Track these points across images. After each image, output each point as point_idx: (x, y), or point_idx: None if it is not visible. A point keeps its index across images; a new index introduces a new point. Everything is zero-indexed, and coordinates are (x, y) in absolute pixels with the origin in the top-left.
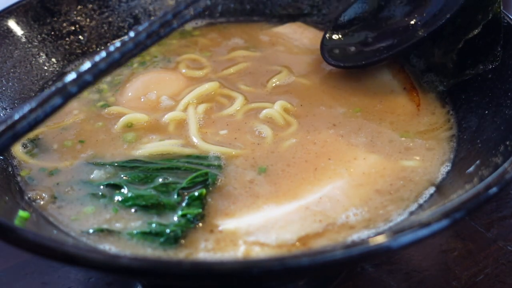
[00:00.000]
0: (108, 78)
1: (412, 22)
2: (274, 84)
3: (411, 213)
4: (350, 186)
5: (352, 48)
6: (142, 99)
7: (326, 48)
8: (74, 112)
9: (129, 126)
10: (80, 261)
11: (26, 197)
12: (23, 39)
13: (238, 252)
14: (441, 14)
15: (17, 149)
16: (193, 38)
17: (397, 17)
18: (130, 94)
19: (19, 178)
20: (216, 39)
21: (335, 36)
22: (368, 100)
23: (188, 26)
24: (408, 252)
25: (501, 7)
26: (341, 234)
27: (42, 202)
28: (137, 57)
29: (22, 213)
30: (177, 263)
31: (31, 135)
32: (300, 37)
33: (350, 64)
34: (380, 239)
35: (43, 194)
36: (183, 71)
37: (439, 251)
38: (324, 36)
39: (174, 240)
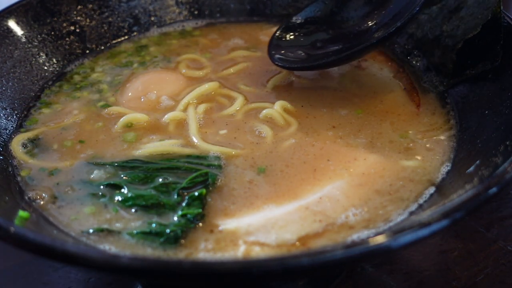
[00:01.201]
0: (108, 78)
1: (362, 29)
2: (274, 84)
3: (411, 213)
4: (349, 186)
5: (299, 51)
6: (142, 99)
7: (273, 47)
8: (74, 112)
9: (129, 126)
10: (80, 261)
11: (26, 197)
12: (23, 39)
13: (238, 252)
14: (391, 23)
15: (17, 149)
16: (193, 38)
17: (348, 24)
18: (130, 94)
19: (19, 178)
20: (216, 39)
21: (284, 37)
22: (369, 100)
23: (188, 26)
24: (408, 252)
25: (501, 7)
26: (341, 234)
27: (42, 202)
28: (137, 56)
29: (22, 213)
30: (177, 263)
31: (31, 135)
32: None
33: (295, 66)
34: (380, 239)
35: (43, 194)
36: (183, 71)
37: (439, 251)
38: (273, 35)
39: (174, 240)
